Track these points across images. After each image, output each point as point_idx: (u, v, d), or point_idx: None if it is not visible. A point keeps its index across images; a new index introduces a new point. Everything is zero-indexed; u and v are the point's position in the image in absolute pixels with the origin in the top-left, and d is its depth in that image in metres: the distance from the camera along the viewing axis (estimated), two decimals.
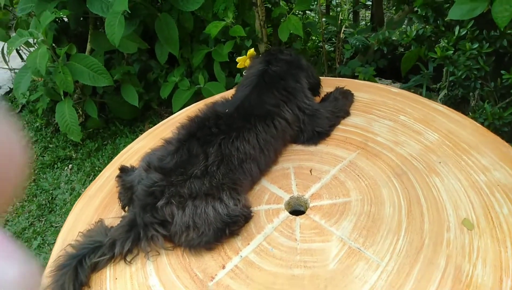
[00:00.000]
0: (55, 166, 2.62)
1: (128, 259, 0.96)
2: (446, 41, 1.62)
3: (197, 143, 1.01)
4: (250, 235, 0.99)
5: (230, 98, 1.20)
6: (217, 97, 1.29)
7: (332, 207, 1.03)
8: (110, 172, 1.24)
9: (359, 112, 1.32)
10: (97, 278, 0.94)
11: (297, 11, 2.39)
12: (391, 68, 2.39)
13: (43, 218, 2.33)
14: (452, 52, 1.60)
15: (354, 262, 0.91)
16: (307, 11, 2.77)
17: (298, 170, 1.15)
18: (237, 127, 1.05)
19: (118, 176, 1.11)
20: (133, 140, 1.69)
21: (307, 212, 1.04)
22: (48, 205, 2.39)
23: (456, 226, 0.96)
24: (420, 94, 1.98)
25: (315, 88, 1.33)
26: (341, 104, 1.29)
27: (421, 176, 1.08)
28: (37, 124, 2.92)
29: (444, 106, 1.29)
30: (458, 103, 1.92)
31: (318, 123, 1.21)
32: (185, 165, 0.97)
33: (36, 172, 2.61)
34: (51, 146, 2.78)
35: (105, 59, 2.73)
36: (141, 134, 1.48)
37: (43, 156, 2.71)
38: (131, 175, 1.07)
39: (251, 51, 1.38)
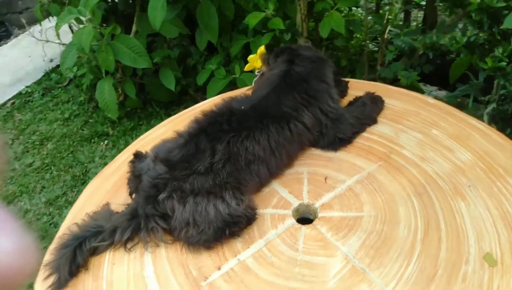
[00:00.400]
0: (92, 140, 2.71)
1: (128, 246, 0.96)
2: (500, 51, 1.48)
3: (206, 139, 0.98)
4: (251, 239, 0.96)
5: (249, 95, 1.16)
6: (237, 92, 1.25)
7: (342, 220, 0.98)
8: (127, 156, 1.24)
9: (387, 120, 1.24)
10: (96, 261, 0.95)
11: (343, 7, 2.29)
12: (439, 74, 2.24)
13: (75, 189, 2.43)
14: (505, 63, 1.46)
15: (356, 283, 0.85)
16: (353, 8, 2.65)
17: (313, 176, 1.10)
18: (248, 126, 1.01)
19: (130, 162, 1.11)
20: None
21: (314, 222, 0.99)
22: (81, 177, 2.49)
23: (476, 259, 0.87)
24: (467, 105, 1.84)
25: (341, 86, 1.26)
26: (369, 111, 1.22)
27: (445, 198, 0.99)
28: (81, 99, 3.04)
29: (484, 124, 1.18)
30: (507, 120, 1.76)
31: (341, 128, 1.14)
32: (191, 160, 0.95)
33: (74, 144, 2.72)
34: (91, 120, 2.88)
35: (148, 42, 2.77)
36: None
37: (83, 130, 2.81)
38: (143, 162, 1.07)
39: (261, 49, 1.31)
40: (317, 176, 1.09)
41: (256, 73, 1.24)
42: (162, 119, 2.70)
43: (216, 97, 1.42)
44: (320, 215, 1.00)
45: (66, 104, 3.08)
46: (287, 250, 0.93)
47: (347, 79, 1.40)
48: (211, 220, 0.91)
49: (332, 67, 1.23)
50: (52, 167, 2.57)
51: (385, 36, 2.21)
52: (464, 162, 1.07)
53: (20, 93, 3.23)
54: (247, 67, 1.32)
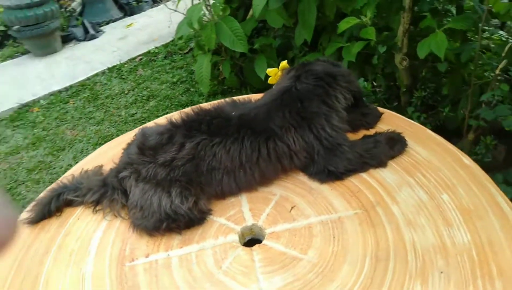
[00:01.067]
0: (185, 107, 2.97)
1: (97, 208, 1.07)
2: None
3: (181, 134, 1.02)
4: (189, 240, 0.98)
5: (248, 103, 1.14)
6: (247, 97, 1.23)
7: (280, 255, 0.92)
8: None
9: (399, 168, 1.08)
10: (69, 211, 1.10)
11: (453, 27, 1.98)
12: None
13: None
14: None
15: None
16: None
17: (282, 201, 1.04)
18: (224, 133, 1.01)
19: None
20: None
21: (253, 247, 0.95)
22: None
23: None
24: None
25: (359, 106, 1.14)
26: (379, 151, 1.08)
27: (403, 275, 0.84)
28: (192, 68, 3.33)
29: None
30: None
31: (333, 161, 1.05)
32: (158, 149, 1.00)
33: (171, 106, 3.02)
34: (191, 90, 3.15)
35: (259, 28, 2.87)
36: None
37: (182, 96, 3.10)
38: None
39: (283, 63, 1.24)
40: (286, 203, 1.03)
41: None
42: None
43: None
44: (264, 241, 0.96)
45: (179, 69, 3.42)
46: (211, 264, 0.92)
47: (381, 109, 1.25)
48: (154, 210, 0.96)
49: (350, 87, 1.11)
50: (147, 122, 2.92)
51: (497, 71, 1.85)
52: (455, 244, 0.88)
53: (148, 52, 3.70)
54: (270, 80, 1.28)
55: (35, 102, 3.23)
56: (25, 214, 1.07)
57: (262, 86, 2.86)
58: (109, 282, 0.91)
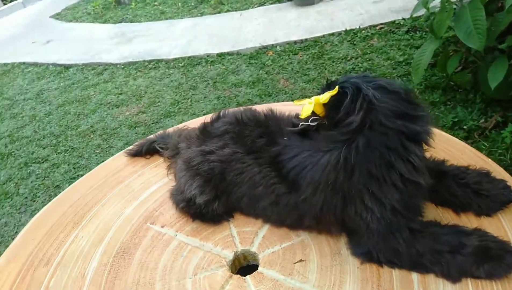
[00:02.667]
0: None
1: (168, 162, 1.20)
2: None
3: (231, 135, 0.97)
4: (197, 233, 0.98)
5: (310, 129, 0.91)
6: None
7: None
8: None
9: None
10: (155, 157, 1.27)
11: None
12: None
13: None
14: None
15: None
16: None
17: (298, 247, 0.88)
18: (259, 156, 0.90)
19: None
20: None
21: (237, 275, 0.87)
22: None
23: None
24: None
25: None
26: (453, 262, 0.73)
27: None
28: None
29: None
30: None
31: (380, 245, 0.78)
32: (211, 137, 1.00)
33: None
34: (409, 76, 2.77)
35: None
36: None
37: (397, 79, 2.79)
38: None
39: (318, 99, 0.84)
40: (299, 251, 0.86)
41: (310, 123, 0.88)
42: (465, 111, 2.27)
43: None
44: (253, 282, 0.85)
45: (413, 49, 3.03)
46: (192, 266, 0.90)
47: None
48: (181, 189, 1.00)
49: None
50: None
51: None
52: None
53: (393, 22, 3.40)
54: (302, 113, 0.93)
55: (273, 46, 3.59)
56: (130, 147, 1.30)
57: (496, 96, 2.24)
58: (130, 229, 1.04)
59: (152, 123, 2.94)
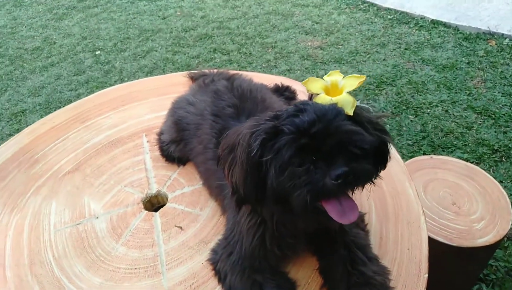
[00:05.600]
0: None
1: None
2: None
3: (214, 95, 1.03)
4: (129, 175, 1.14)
5: None
6: None
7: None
8: None
9: None
10: None
11: None
12: None
13: None
14: None
15: None
16: None
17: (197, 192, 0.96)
18: (216, 119, 0.94)
19: None
20: None
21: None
22: None
23: None
24: None
25: None
26: None
27: None
28: None
29: None
30: None
31: None
32: (222, 93, 1.06)
33: None
34: None
35: None
36: None
37: None
38: None
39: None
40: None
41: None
42: None
43: None
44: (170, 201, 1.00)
45: None
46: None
47: None
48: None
49: None
50: None
51: None
52: None
53: None
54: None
55: (502, 36, 2.90)
56: (193, 71, 1.46)
57: None
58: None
59: (320, 63, 2.99)
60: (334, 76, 0.70)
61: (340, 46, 3.15)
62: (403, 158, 2.29)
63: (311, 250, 0.83)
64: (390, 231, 0.87)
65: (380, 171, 0.71)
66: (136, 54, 3.43)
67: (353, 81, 0.67)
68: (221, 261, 0.81)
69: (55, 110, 1.42)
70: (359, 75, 0.68)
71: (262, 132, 0.63)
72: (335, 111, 0.64)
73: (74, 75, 3.25)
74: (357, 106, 0.66)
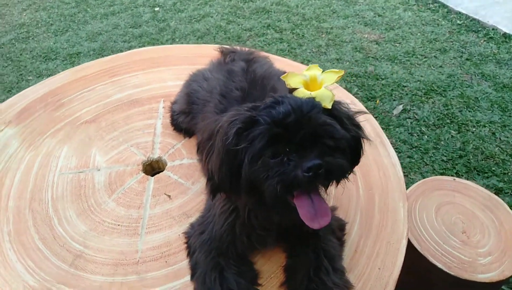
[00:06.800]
0: None
1: None
2: None
3: (227, 75, 1.03)
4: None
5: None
6: None
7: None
8: None
9: None
10: None
11: None
12: None
13: None
14: None
15: None
16: None
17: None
18: (222, 100, 0.95)
19: None
20: None
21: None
22: None
23: None
24: None
25: None
26: None
27: None
28: None
29: None
30: None
31: None
32: (233, 74, 1.08)
33: None
34: None
35: None
36: None
37: None
38: None
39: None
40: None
41: None
42: None
43: None
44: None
45: None
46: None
47: None
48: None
49: None
50: None
51: None
52: None
53: None
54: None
55: None
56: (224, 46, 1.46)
57: None
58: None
59: (372, 58, 2.87)
60: (313, 71, 0.70)
61: (397, 44, 2.99)
62: (432, 173, 2.19)
63: (281, 247, 0.83)
64: (367, 247, 0.85)
65: (354, 167, 0.71)
66: (192, 17, 3.47)
67: (332, 76, 0.67)
68: (193, 236, 0.84)
69: (107, 56, 1.49)
70: (337, 70, 0.69)
71: (238, 121, 0.64)
72: (311, 104, 0.64)
73: (130, 27, 3.36)
74: (335, 101, 0.66)
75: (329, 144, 0.62)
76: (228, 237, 0.78)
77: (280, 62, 1.34)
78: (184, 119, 1.10)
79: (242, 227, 0.76)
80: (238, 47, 1.37)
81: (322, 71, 0.70)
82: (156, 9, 3.60)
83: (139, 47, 3.09)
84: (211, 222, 0.80)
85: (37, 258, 0.87)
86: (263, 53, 1.38)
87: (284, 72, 1.26)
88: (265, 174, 0.62)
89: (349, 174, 0.68)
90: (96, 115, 1.22)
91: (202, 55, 1.44)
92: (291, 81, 0.69)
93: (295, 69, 1.31)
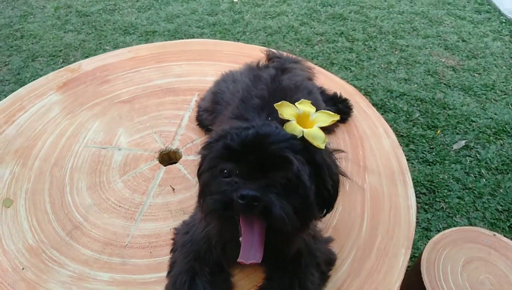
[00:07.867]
0: None
1: None
2: None
3: (253, 82, 1.02)
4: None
5: None
6: None
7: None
8: None
9: None
10: None
11: None
12: None
13: None
14: None
15: None
16: None
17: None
18: (241, 105, 0.94)
19: None
20: None
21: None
22: None
23: None
24: None
25: None
26: None
27: None
28: None
29: None
30: None
31: None
32: (251, 72, 1.08)
33: None
34: None
35: None
36: None
37: None
38: None
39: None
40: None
41: None
42: None
43: None
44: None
45: None
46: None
47: None
48: None
49: None
50: None
51: None
52: None
53: None
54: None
55: None
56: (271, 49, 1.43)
57: None
58: None
59: (444, 84, 2.66)
60: (306, 107, 0.66)
61: (477, 75, 2.75)
62: (481, 221, 2.00)
63: (262, 267, 0.81)
64: (353, 288, 0.79)
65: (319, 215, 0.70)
66: (268, 13, 3.47)
67: (326, 118, 0.63)
68: (179, 234, 0.85)
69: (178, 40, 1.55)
70: (333, 113, 0.64)
71: (218, 134, 0.65)
72: (281, 137, 0.62)
73: (206, 14, 3.46)
74: (326, 147, 0.62)
75: (282, 181, 0.59)
76: (205, 244, 0.77)
77: (322, 76, 1.30)
78: (208, 117, 1.11)
79: (217, 236, 0.75)
80: (285, 53, 1.35)
81: (316, 110, 0.67)
82: (235, 0, 3.66)
83: (211, 35, 3.17)
84: (195, 224, 0.81)
85: (42, 220, 0.93)
86: (309, 64, 1.34)
87: (320, 88, 1.22)
88: (209, 187, 0.65)
89: (308, 224, 0.66)
90: (133, 97, 1.27)
91: (248, 55, 1.44)
92: (284, 112, 0.66)
93: (338, 87, 1.27)
